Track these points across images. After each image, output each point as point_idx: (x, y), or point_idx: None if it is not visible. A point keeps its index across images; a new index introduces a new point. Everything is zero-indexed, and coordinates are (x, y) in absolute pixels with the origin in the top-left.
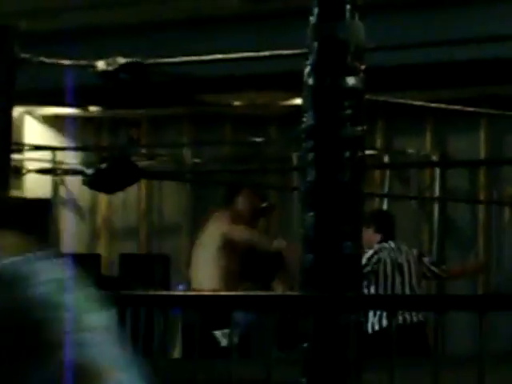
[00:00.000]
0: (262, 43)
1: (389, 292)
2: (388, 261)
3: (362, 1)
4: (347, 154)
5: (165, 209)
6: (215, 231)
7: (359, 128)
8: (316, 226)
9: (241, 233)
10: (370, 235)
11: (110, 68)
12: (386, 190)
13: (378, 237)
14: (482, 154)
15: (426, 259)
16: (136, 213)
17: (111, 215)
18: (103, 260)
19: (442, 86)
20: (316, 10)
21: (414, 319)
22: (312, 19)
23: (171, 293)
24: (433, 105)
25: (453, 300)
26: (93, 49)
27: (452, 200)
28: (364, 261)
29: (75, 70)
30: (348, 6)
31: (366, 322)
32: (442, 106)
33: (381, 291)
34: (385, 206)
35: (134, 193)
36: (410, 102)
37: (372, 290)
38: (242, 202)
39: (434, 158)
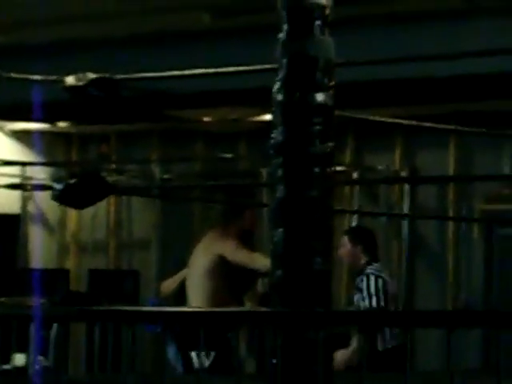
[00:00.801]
0: (232, 59)
1: None
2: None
3: (332, 17)
4: (316, 170)
5: (134, 224)
6: (210, 250)
7: (328, 144)
8: (285, 241)
9: (243, 254)
10: (356, 254)
11: (80, 83)
12: (355, 206)
13: (364, 257)
14: (451, 171)
15: None
16: (105, 228)
17: (80, 230)
18: (72, 275)
19: (411, 103)
20: (285, 26)
21: (396, 342)
22: (281, 35)
23: (139, 308)
24: (402, 121)
25: (421, 316)
26: (62, 64)
27: (421, 216)
28: (374, 290)
29: (45, 86)
30: (317, 22)
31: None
32: (412, 122)
33: None
34: (354, 223)
35: (104, 208)
36: (379, 118)
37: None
38: (245, 222)
39: (404, 174)
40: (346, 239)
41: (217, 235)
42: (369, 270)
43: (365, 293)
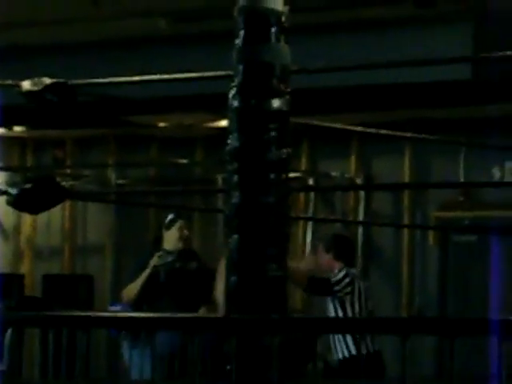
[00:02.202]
0: (188, 64)
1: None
2: (360, 284)
3: (288, 23)
4: (272, 176)
5: (89, 229)
6: None
7: (284, 150)
8: (240, 248)
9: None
10: (329, 260)
11: (36, 88)
12: (310, 212)
13: (338, 263)
14: (406, 178)
15: None
16: (60, 233)
17: (35, 235)
18: (26, 280)
19: (366, 110)
20: (242, 33)
21: (372, 349)
22: (238, 41)
23: (94, 313)
24: (357, 128)
25: (376, 323)
26: (18, 69)
27: (376, 223)
28: (335, 282)
29: (0, 90)
30: (273, 29)
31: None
32: (367, 129)
33: (356, 314)
34: (309, 229)
35: (59, 213)
36: (334, 125)
37: (349, 313)
38: None
39: (359, 181)
40: (320, 247)
41: None
42: (343, 270)
43: None
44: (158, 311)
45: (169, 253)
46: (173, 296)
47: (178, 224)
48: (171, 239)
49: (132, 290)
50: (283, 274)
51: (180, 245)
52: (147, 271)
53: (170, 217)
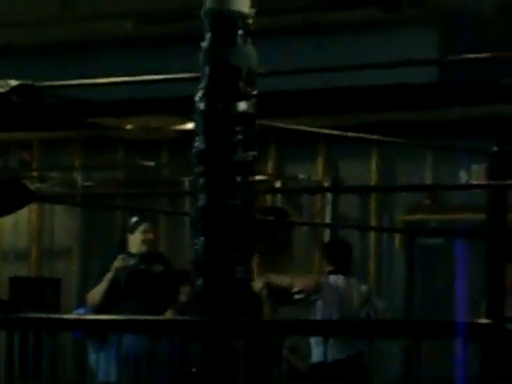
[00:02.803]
0: (154, 67)
1: None
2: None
3: (255, 26)
4: (238, 179)
5: (56, 232)
6: None
7: (250, 153)
8: (207, 250)
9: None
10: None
11: (2, 90)
12: None
13: (327, 268)
14: (373, 181)
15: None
16: (27, 236)
17: (1, 238)
18: None
19: (333, 112)
20: (208, 35)
21: (351, 353)
22: (204, 44)
23: (60, 316)
24: (325, 131)
25: (342, 326)
26: None
27: (343, 226)
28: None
29: None
30: (240, 31)
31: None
32: (334, 132)
33: None
34: None
35: (25, 216)
36: (301, 127)
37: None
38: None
39: (326, 183)
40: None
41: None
42: (323, 280)
43: None
44: (120, 314)
45: (132, 255)
46: (136, 299)
47: (142, 227)
48: (135, 242)
49: (95, 293)
50: (249, 276)
51: (144, 248)
52: (109, 274)
53: (134, 220)
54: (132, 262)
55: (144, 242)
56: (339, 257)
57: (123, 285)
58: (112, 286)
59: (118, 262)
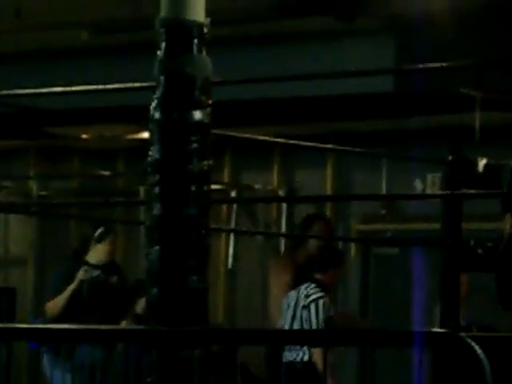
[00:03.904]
0: (110, 76)
1: None
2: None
3: (210, 35)
4: (193, 188)
5: (10, 241)
6: None
7: (205, 162)
8: (161, 259)
9: None
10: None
11: None
12: (232, 224)
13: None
14: (329, 190)
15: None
16: None
17: None
18: None
19: (289, 122)
20: (163, 45)
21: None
22: (159, 53)
23: (15, 325)
24: (280, 140)
25: (297, 335)
26: None
27: (298, 235)
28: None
29: None
30: (195, 41)
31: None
32: (289, 141)
33: None
34: (231, 242)
35: None
36: (257, 137)
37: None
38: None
39: (281, 193)
40: None
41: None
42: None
43: None
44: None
45: (94, 266)
46: (96, 310)
47: (109, 237)
48: (100, 252)
49: (56, 304)
50: (204, 285)
51: (105, 258)
52: (73, 286)
53: (101, 230)
54: (95, 273)
55: (109, 252)
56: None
57: (87, 297)
58: (74, 298)
59: (82, 274)
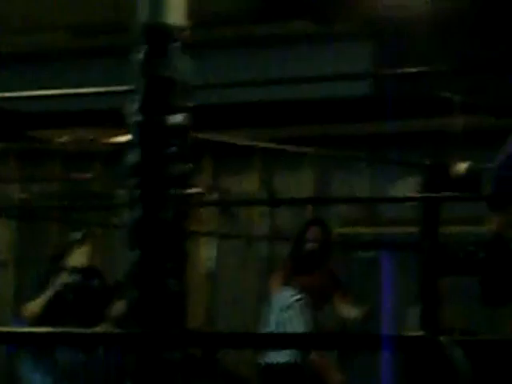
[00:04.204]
0: (89, 79)
1: None
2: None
3: (190, 39)
4: (173, 191)
5: None
6: None
7: (185, 166)
8: (140, 263)
9: None
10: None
11: None
12: (213, 228)
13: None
14: (309, 193)
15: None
16: None
17: None
18: None
19: (269, 125)
20: (142, 47)
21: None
22: (138, 56)
23: None
24: (261, 144)
25: (273, 339)
26: None
27: (280, 238)
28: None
29: None
30: (175, 44)
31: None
32: (270, 144)
33: None
34: (212, 245)
35: None
36: (237, 140)
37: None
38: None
39: (262, 196)
40: None
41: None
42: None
43: None
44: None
45: (76, 270)
46: (78, 314)
47: (89, 241)
48: (80, 256)
49: (35, 307)
50: (183, 289)
51: (85, 261)
52: (53, 289)
53: (83, 232)
54: (77, 277)
55: (88, 255)
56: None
57: (70, 301)
58: (55, 301)
59: (65, 278)
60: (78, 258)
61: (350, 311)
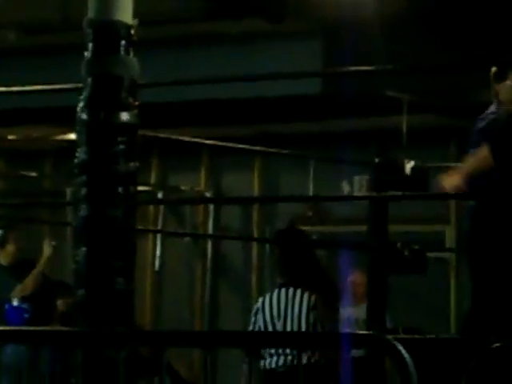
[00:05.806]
0: (37, 77)
1: None
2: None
3: (138, 37)
4: (120, 189)
5: None
6: None
7: (132, 164)
8: (88, 261)
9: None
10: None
11: None
12: (159, 226)
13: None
14: (256, 192)
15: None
16: None
17: None
18: None
19: (217, 123)
20: (91, 45)
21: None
22: (87, 54)
23: None
24: (207, 142)
25: (225, 337)
26: None
27: (225, 237)
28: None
29: None
30: (123, 42)
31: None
32: (217, 143)
33: None
34: (158, 243)
35: None
36: (184, 138)
37: None
38: None
39: (208, 194)
40: None
41: None
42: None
43: None
44: None
45: (5, 268)
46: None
47: (11, 237)
48: (7, 253)
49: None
50: (130, 287)
51: (15, 258)
52: None
53: (2, 232)
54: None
55: (16, 251)
56: (287, 269)
57: None
58: None
59: None
60: (10, 254)
61: None
